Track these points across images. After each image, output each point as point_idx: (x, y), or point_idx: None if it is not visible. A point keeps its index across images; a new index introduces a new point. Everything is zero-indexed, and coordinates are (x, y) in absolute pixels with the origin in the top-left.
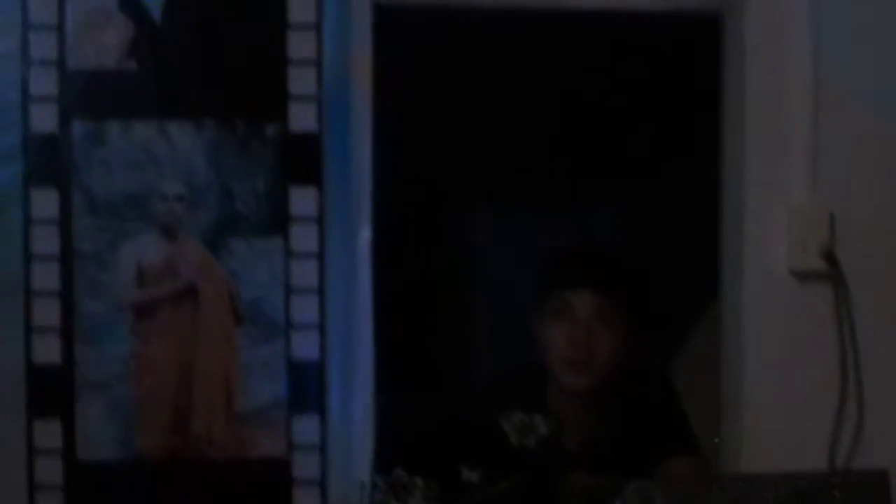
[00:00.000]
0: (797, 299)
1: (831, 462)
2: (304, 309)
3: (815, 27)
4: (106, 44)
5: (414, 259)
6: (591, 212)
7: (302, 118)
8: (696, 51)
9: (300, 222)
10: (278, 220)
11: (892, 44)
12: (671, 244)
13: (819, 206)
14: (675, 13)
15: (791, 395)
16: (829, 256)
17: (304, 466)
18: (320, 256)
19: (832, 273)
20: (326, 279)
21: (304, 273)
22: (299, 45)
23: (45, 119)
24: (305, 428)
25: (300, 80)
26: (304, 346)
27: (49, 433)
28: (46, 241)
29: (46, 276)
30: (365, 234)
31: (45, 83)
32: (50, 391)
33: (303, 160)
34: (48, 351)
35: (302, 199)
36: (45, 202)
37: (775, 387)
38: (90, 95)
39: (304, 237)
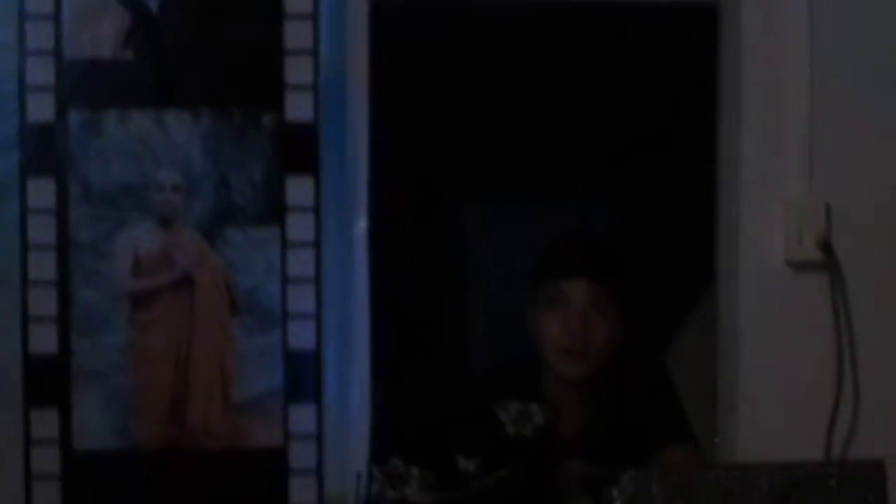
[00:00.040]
0: (793, 290)
1: (827, 452)
2: (301, 298)
3: (812, 19)
4: (102, 33)
5: (410, 248)
6: (587, 201)
7: (298, 108)
8: (693, 41)
9: (297, 212)
10: (275, 210)
11: (888, 36)
12: (667, 233)
13: (815, 197)
14: (673, 4)
15: (787, 385)
16: (826, 247)
17: (301, 456)
18: (317, 246)
19: (828, 263)
20: (323, 269)
21: (301, 263)
22: (296, 35)
23: (41, 109)
24: (302, 418)
25: (297, 70)
26: (301, 336)
27: (46, 423)
28: (43, 230)
29: (43, 266)
30: (361, 224)
31: (41, 73)
32: (47, 381)
33: (299, 150)
34: (45, 340)
35: (298, 189)
36: (42, 192)
37: (771, 377)
38: (87, 85)
39: (300, 227)
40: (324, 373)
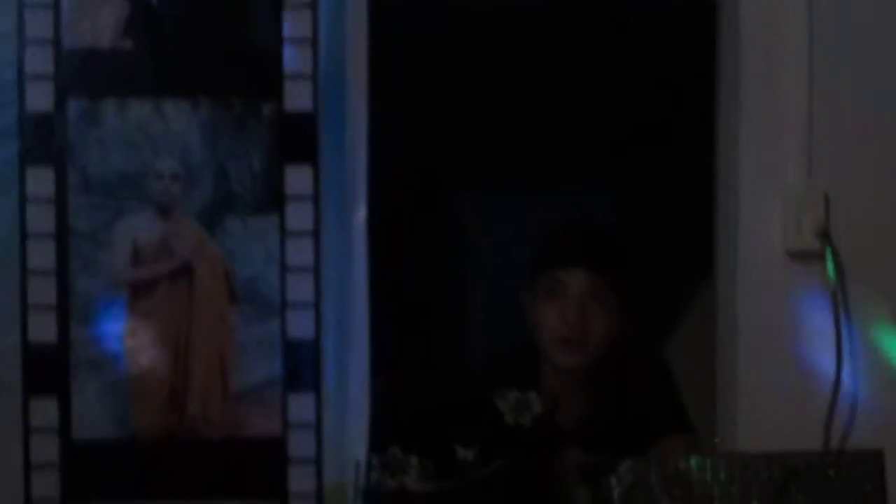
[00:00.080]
0: (792, 279)
1: (826, 442)
2: (300, 288)
3: (811, 10)
4: (102, 22)
5: (409, 238)
6: (587, 191)
7: (298, 97)
8: (692, 32)
9: (296, 201)
10: (274, 199)
11: (887, 26)
12: (665, 223)
13: (814, 186)
14: None
15: (785, 374)
16: (824, 236)
17: (299, 445)
18: (316, 235)
19: (827, 252)
20: (322, 258)
21: (300, 252)
22: (295, 25)
23: (40, 98)
24: (300, 407)
25: (296, 60)
26: (300, 325)
27: (45, 412)
28: (42, 219)
29: (42, 255)
30: (360, 213)
31: (40, 62)
32: (46, 370)
33: (298, 139)
34: (44, 329)
35: (297, 178)
36: (41, 181)
37: (770, 366)
38: (86, 74)
39: (299, 216)
40: (323, 362)
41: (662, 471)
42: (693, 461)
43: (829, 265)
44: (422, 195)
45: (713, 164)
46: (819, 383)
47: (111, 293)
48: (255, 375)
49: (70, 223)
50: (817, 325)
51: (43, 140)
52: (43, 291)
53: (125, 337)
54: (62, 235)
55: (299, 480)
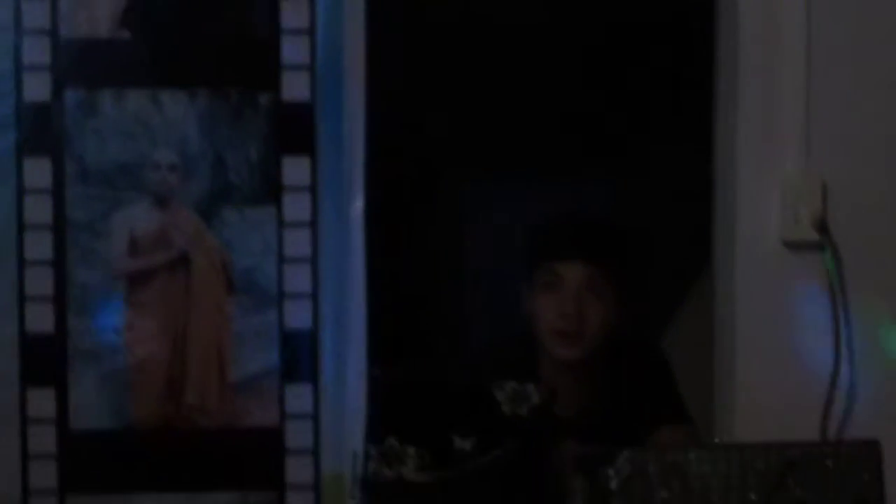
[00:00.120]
0: (789, 269)
1: (823, 432)
2: (297, 278)
3: (809, 1)
4: (99, 13)
5: (407, 228)
6: (584, 182)
7: (295, 88)
8: (690, 21)
9: (293, 192)
10: (271, 190)
11: (884, 15)
12: (663, 214)
13: (812, 177)
14: None
15: (783, 365)
16: (822, 227)
17: (297, 436)
18: (313, 226)
19: (825, 243)
20: (319, 248)
21: (297, 242)
22: (292, 15)
23: (37, 88)
24: (298, 397)
25: (293, 50)
26: (297, 316)
27: (42, 402)
28: (39, 210)
29: (39, 246)
30: (358, 204)
31: (37, 52)
32: (43, 360)
33: (296, 130)
34: (41, 320)
35: (295, 169)
36: (38, 171)
37: (767, 357)
38: (83, 64)
39: (296, 206)
40: (320, 353)
41: (660, 462)
42: (691, 452)
43: (827, 255)
44: (419, 186)
45: (711, 155)
46: (816, 374)
47: (108, 284)
48: (252, 366)
49: (67, 214)
50: (815, 316)
51: (40, 130)
52: (40, 282)
53: (123, 327)
54: (59, 226)
55: (297, 471)
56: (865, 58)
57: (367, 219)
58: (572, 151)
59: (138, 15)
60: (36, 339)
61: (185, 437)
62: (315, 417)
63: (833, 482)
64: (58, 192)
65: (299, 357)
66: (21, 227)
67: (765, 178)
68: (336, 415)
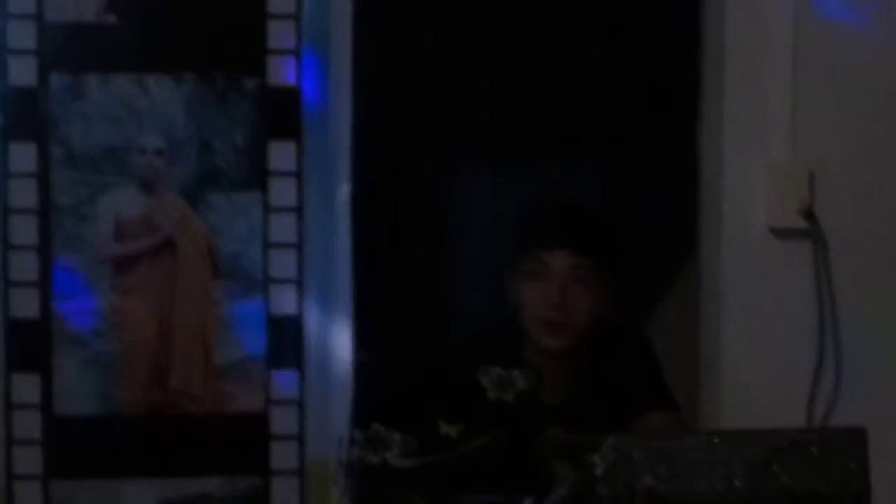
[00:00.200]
0: (776, 257)
1: (809, 419)
2: (283, 264)
3: None
4: None
5: (393, 214)
6: (570, 171)
7: (281, 72)
8: (675, 7)
9: (279, 177)
10: (257, 175)
11: (872, 2)
12: (649, 201)
13: (798, 164)
14: None
15: (769, 352)
16: (808, 214)
17: (282, 421)
18: (299, 211)
19: (811, 230)
20: (305, 234)
21: (283, 228)
22: None
23: (23, 72)
24: (283, 383)
25: (280, 34)
26: (283, 301)
27: (27, 388)
28: (24, 194)
29: (24, 230)
30: (344, 189)
31: (23, 36)
32: (28, 345)
33: (282, 115)
34: (26, 305)
35: (281, 154)
36: (23, 156)
37: (753, 344)
38: (69, 49)
39: (282, 192)
40: (305, 338)
41: (645, 448)
42: (676, 439)
43: (813, 242)
44: (406, 172)
45: (697, 143)
46: (802, 361)
47: (94, 269)
48: (238, 351)
49: (53, 198)
50: (801, 303)
51: (25, 115)
52: (25, 267)
53: (108, 313)
54: (45, 210)
55: (282, 456)
56: (852, 45)
57: (353, 204)
58: (559, 139)
59: None
60: (21, 324)
61: (171, 422)
62: (300, 403)
63: (819, 469)
64: (43, 177)
65: (285, 342)
66: (6, 212)
67: (751, 165)
68: (321, 400)
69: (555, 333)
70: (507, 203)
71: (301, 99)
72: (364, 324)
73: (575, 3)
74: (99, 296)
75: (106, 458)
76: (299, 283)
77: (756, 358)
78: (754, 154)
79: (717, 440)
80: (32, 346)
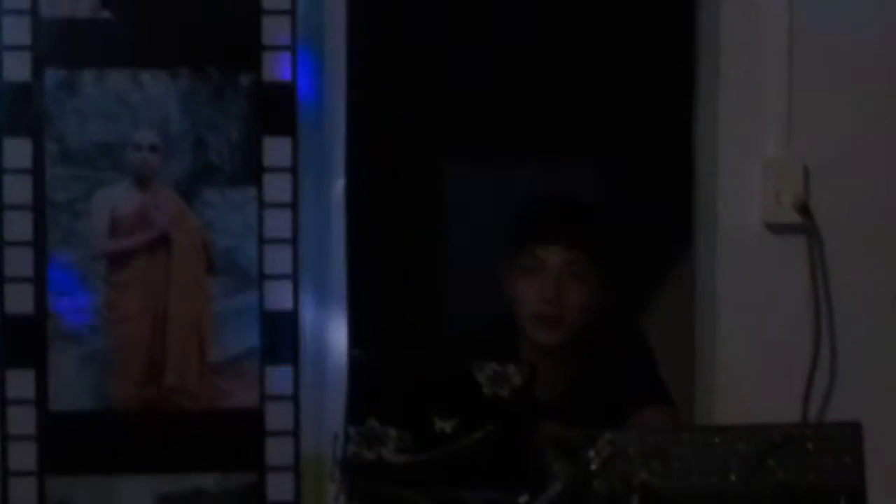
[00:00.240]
0: (771, 252)
1: (804, 414)
2: (278, 259)
3: None
4: None
5: (388, 210)
6: (566, 163)
7: (276, 68)
8: (671, 4)
9: (274, 172)
10: (252, 170)
11: None
12: (645, 196)
13: (793, 159)
14: None
15: (764, 347)
16: (804, 209)
17: (277, 417)
18: (294, 207)
19: (806, 225)
20: (300, 229)
21: (278, 223)
22: None
23: (18, 68)
24: (278, 378)
25: (275, 30)
26: (278, 297)
27: (22, 383)
28: (19, 190)
29: (19, 226)
30: (339, 185)
31: (18, 32)
32: (23, 341)
33: (277, 110)
34: (21, 301)
35: (276, 149)
36: (18, 151)
37: (749, 339)
38: (64, 44)
39: (277, 187)
40: (300, 334)
41: (641, 443)
42: (671, 434)
43: (808, 237)
44: (401, 167)
45: (692, 138)
46: (798, 355)
47: (89, 265)
48: (233, 347)
49: (47, 194)
50: (796, 298)
51: (20, 110)
52: (20, 263)
53: (103, 308)
54: (39, 206)
55: (277, 452)
56: (847, 41)
57: (348, 200)
58: (554, 134)
59: None
60: (15, 320)
61: (166, 418)
62: (295, 399)
63: (814, 464)
64: (38, 173)
65: (280, 338)
66: (1, 208)
67: (747, 160)
68: (316, 396)
69: (549, 329)
70: (502, 198)
71: (296, 95)
72: (359, 319)
73: (571, 0)
74: (94, 292)
75: (101, 454)
76: (294, 279)
77: (751, 353)
78: (749, 149)
79: (712, 435)
80: (27, 342)
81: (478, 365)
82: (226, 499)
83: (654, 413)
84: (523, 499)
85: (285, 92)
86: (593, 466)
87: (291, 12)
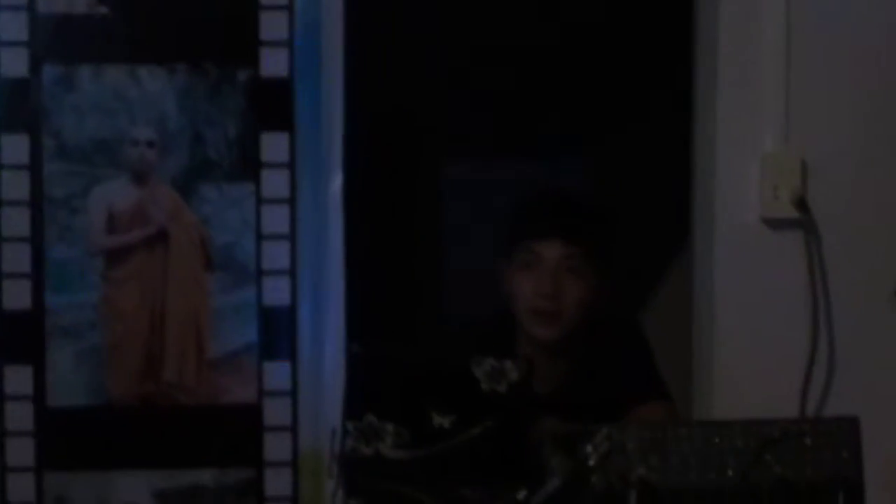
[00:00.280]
0: (769, 247)
1: (802, 409)
2: (276, 255)
3: None
4: None
5: (385, 205)
6: (563, 158)
7: (273, 63)
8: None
9: (272, 168)
10: (250, 166)
11: None
12: (642, 191)
13: (791, 154)
14: None
15: (762, 342)
16: (801, 204)
17: (275, 412)
18: (292, 202)
19: (804, 221)
20: (298, 225)
21: (276, 219)
22: None
23: (15, 64)
24: (276, 374)
25: (272, 26)
26: (276, 292)
27: (20, 379)
28: (16, 186)
29: (16, 222)
30: (336, 180)
31: (15, 28)
32: (20, 337)
33: (274, 106)
34: (19, 297)
35: (273, 145)
36: (16, 147)
37: (746, 334)
38: (61, 40)
39: (275, 183)
40: (298, 329)
41: (639, 438)
42: (669, 429)
43: (806, 233)
44: (399, 163)
45: (690, 132)
46: (795, 350)
47: (86, 260)
48: (230, 343)
49: (45, 190)
50: (794, 293)
51: (17, 106)
52: (17, 259)
53: (100, 304)
54: (37, 202)
55: (275, 448)
56: (844, 37)
57: (345, 195)
58: (551, 130)
59: None
60: (13, 316)
61: (164, 414)
62: (293, 394)
63: (812, 459)
64: (35, 169)
65: (278, 334)
66: None
67: (744, 155)
68: (314, 392)
69: (547, 323)
70: (500, 193)
71: (293, 90)
72: (357, 315)
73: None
74: (91, 288)
75: (99, 449)
76: (292, 275)
77: (749, 348)
78: (747, 144)
79: (710, 431)
80: (25, 337)
81: (476, 360)
82: (224, 494)
83: (652, 408)
84: (521, 494)
85: (283, 88)
86: (591, 462)
87: (289, 8)
